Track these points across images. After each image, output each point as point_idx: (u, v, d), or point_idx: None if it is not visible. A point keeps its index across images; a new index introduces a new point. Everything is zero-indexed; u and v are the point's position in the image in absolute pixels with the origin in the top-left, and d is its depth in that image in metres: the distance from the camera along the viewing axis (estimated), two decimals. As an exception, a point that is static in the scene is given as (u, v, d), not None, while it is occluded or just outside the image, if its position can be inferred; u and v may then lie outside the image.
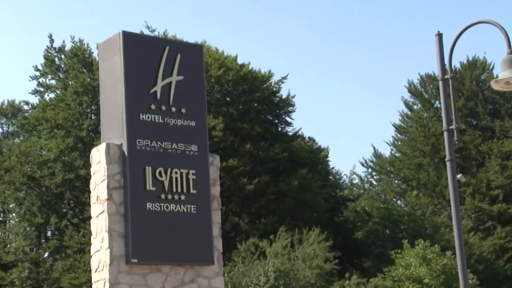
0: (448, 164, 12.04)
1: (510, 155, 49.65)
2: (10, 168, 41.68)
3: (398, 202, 53.24)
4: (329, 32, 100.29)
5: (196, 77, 11.96)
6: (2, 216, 49.66)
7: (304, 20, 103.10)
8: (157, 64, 11.58)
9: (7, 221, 48.43)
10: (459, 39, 11.94)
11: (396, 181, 56.77)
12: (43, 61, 44.01)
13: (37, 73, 43.95)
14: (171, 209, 11.27)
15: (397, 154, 56.89)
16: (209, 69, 39.66)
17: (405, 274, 35.28)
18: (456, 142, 12.15)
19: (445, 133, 11.93)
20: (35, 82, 44.22)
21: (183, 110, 11.65)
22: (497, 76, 11.81)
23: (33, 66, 43.92)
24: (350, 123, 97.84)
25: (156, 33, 40.65)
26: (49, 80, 44.44)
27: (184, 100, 11.68)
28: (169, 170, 11.32)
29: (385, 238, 43.37)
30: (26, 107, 49.11)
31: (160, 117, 11.46)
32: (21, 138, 47.45)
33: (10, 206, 45.90)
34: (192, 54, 12.07)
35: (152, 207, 11.12)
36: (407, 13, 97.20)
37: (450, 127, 11.90)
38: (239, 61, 44.42)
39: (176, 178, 11.36)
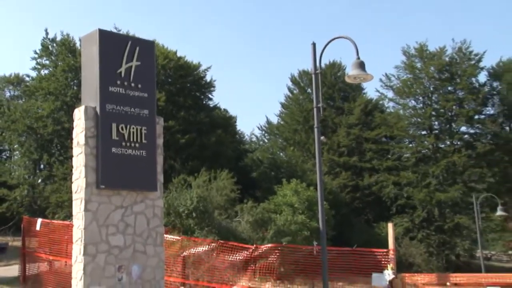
0: (315, 130, 12.23)
1: (353, 126, 50.88)
2: (15, 120, 41.06)
3: (281, 154, 54.06)
4: (244, 36, 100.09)
5: (149, 63, 11.77)
6: (8, 153, 49.18)
7: (226, 24, 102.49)
8: (122, 53, 11.33)
9: (12, 157, 47.87)
10: (326, 47, 12.06)
11: (280, 140, 57.64)
12: (40, 47, 43.12)
13: (36, 55, 43.07)
14: (128, 153, 11.09)
15: (281, 122, 57.73)
16: (157, 59, 39.28)
17: (283, 201, 35.85)
18: (321, 115, 12.32)
19: (314, 109, 12.09)
20: (34, 62, 43.38)
21: (139, 85, 11.44)
22: (347, 73, 11.99)
23: (33, 51, 43.45)
24: (252, 100, 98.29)
25: (121, 32, 40.01)
26: (44, 60, 43.42)
27: (140, 78, 11.47)
28: (128, 126, 11.13)
29: (271, 177, 43.97)
30: (27, 78, 47.80)
31: (123, 89, 11.24)
32: (23, 100, 46.48)
33: (15, 146, 45.26)
34: (147, 47, 11.84)
35: (116, 150, 10.94)
36: (296, 26, 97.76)
37: (318, 105, 12.05)
38: (178, 54, 44.35)
39: (133, 132, 11.18)
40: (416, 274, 14.10)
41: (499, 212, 32.48)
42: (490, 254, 51.98)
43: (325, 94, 49.99)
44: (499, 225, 45.27)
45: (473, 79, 50.24)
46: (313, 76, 12.29)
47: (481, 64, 50.48)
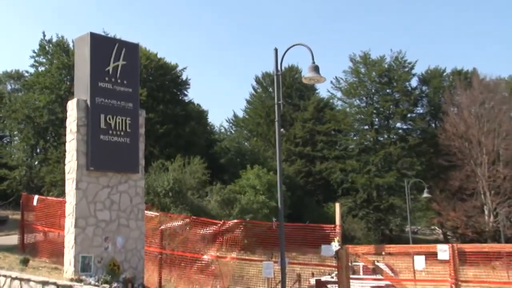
0: (275, 123, 12.22)
1: (307, 120, 51.18)
2: (15, 110, 40.16)
3: (246, 143, 54.05)
4: (216, 41, 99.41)
5: (133, 63, 11.55)
6: (9, 138, 48.19)
7: (199, 29, 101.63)
8: (110, 53, 11.09)
9: (12, 141, 46.77)
10: (286, 53, 12.04)
11: (245, 132, 57.56)
12: (38, 47, 42.07)
13: (34, 54, 41.98)
14: (115, 140, 10.90)
15: (246, 116, 57.60)
16: (141, 59, 38.77)
17: (246, 183, 35.98)
18: (281, 111, 12.30)
19: (275, 106, 12.08)
20: (32, 60, 42.30)
21: (125, 82, 11.22)
22: (304, 76, 12.01)
23: (32, 50, 43.19)
24: (222, 97, 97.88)
25: (109, 35, 39.32)
26: (42, 59, 42.33)
27: (126, 76, 11.24)
28: (115, 116, 10.92)
29: (237, 163, 43.99)
30: (26, 74, 46.73)
31: (111, 85, 11.01)
32: (23, 93, 45.33)
33: (15, 133, 44.28)
34: (132, 49, 11.61)
35: (104, 138, 10.73)
36: (261, 33, 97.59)
37: (278, 102, 12.06)
38: (159, 56, 43.88)
39: (119, 122, 10.98)
40: (357, 245, 14.34)
41: (425, 195, 33.18)
42: (417, 229, 53.24)
43: (284, 93, 49.88)
44: (425, 205, 46.34)
45: (407, 84, 51.23)
46: (274, 77, 12.24)
47: (413, 71, 51.58)
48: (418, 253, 10.94)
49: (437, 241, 44.90)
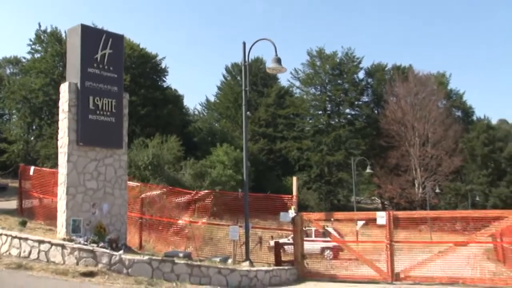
0: (243, 107, 12.28)
1: (270, 105, 51.31)
2: (14, 91, 39.38)
3: (216, 124, 53.79)
4: (191, 33, 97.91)
5: (119, 51, 11.34)
6: (8, 116, 46.94)
7: (178, 24, 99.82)
8: (98, 43, 10.87)
9: (11, 119, 45.62)
10: (253, 46, 12.04)
11: (215, 114, 57.19)
12: (34, 36, 41.10)
13: (31, 42, 41.15)
14: (101, 119, 10.76)
15: (217, 100, 57.20)
16: (125, 49, 37.94)
17: (216, 159, 35.96)
18: (247, 97, 12.34)
19: (243, 92, 12.12)
20: (29, 47, 41.39)
21: (111, 68, 11.03)
22: (268, 66, 12.06)
23: (29, 39, 42.86)
24: (196, 83, 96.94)
25: (98, 26, 38.25)
26: (37, 46, 41.27)
27: (112, 62, 11.05)
28: (102, 98, 10.77)
29: (208, 142, 43.81)
30: (23, 60, 45.45)
31: (98, 70, 10.81)
32: (20, 77, 44.12)
33: (13, 111, 43.30)
34: (117, 39, 11.38)
35: (92, 117, 10.59)
36: (230, 28, 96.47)
37: (245, 89, 12.10)
38: (141, 46, 43.05)
39: (105, 103, 10.83)
40: (310, 213, 14.66)
41: (368, 170, 34.04)
42: (360, 199, 54.53)
43: (250, 81, 49.40)
44: (367, 179, 47.52)
45: (355, 76, 51.94)
46: (242, 67, 12.27)
47: (361, 65, 52.27)
48: (361, 219, 11.30)
49: (376, 209, 46.21)
